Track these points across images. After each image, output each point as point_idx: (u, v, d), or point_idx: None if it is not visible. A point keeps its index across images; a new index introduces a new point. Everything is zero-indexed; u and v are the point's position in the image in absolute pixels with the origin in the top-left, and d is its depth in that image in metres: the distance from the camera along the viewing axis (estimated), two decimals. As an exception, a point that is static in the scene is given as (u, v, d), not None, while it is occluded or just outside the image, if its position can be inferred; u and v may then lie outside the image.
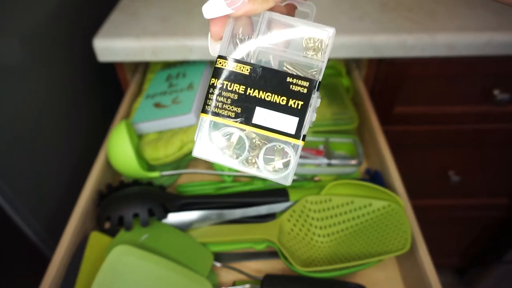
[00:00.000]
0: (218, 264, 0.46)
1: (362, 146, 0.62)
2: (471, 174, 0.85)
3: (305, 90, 0.24)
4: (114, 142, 0.50)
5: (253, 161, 0.25)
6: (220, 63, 0.24)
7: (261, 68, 0.24)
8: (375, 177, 0.53)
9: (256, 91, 0.24)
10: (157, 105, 0.58)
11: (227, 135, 0.24)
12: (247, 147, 0.24)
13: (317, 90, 0.24)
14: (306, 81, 0.24)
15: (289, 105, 0.24)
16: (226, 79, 0.24)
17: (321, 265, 0.44)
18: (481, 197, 0.93)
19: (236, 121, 0.24)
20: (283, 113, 0.24)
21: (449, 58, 0.63)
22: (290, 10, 0.27)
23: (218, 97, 0.24)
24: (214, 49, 0.25)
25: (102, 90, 0.74)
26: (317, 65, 0.24)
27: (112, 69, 0.68)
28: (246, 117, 0.24)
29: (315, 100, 0.24)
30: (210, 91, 0.24)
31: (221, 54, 0.24)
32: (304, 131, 0.24)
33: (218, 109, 0.24)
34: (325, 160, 0.53)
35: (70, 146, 0.62)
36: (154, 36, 0.60)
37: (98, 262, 0.40)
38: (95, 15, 0.69)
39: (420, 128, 0.76)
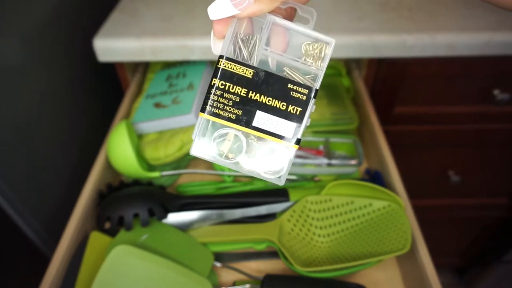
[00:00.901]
0: (218, 264, 0.46)
1: (362, 146, 0.62)
2: (471, 174, 0.85)
3: (304, 98, 0.24)
4: (114, 142, 0.50)
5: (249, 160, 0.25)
6: (223, 64, 0.24)
7: (264, 73, 0.24)
8: (375, 177, 0.53)
9: (258, 95, 0.24)
10: (157, 105, 0.58)
11: (224, 135, 0.25)
12: (244, 148, 0.24)
13: (314, 97, 0.24)
14: (306, 89, 0.24)
15: (288, 110, 0.24)
16: (228, 80, 0.24)
17: (321, 265, 0.44)
18: (481, 197, 0.93)
19: (237, 124, 0.24)
20: (283, 118, 0.24)
21: (449, 58, 0.63)
22: (291, 13, 0.27)
23: (219, 98, 0.24)
24: (216, 47, 0.25)
25: (102, 90, 0.74)
26: (315, 72, 0.24)
27: (112, 69, 0.68)
28: (246, 120, 0.24)
29: (312, 106, 0.24)
30: (211, 91, 0.24)
31: (223, 54, 0.24)
32: (299, 135, 0.24)
33: (219, 110, 0.24)
34: (325, 160, 0.53)
35: (70, 146, 0.62)
36: (154, 36, 0.60)
37: (98, 262, 0.40)
38: (95, 15, 0.69)
39: (420, 128, 0.76)
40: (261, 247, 0.47)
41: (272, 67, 0.25)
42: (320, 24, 0.62)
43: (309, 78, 0.25)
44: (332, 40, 0.25)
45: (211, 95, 0.24)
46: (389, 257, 0.41)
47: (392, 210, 0.45)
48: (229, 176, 0.55)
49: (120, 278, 0.38)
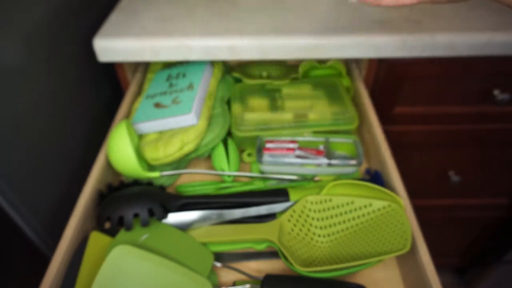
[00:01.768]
0: (218, 264, 0.46)
1: (362, 146, 0.62)
2: (471, 174, 0.85)
3: None
4: (114, 142, 0.50)
5: None
6: None
7: None
8: (375, 177, 0.53)
9: None
10: (157, 105, 0.58)
11: None
12: None
13: None
14: None
15: None
16: None
17: (321, 265, 0.44)
18: (481, 197, 0.93)
19: None
20: None
21: (449, 58, 0.63)
22: None
23: None
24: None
25: (102, 90, 0.74)
26: None
27: (112, 69, 0.68)
28: None
29: None
30: None
31: None
32: None
33: None
34: (325, 160, 0.53)
35: (70, 146, 0.62)
36: (154, 36, 0.60)
37: (98, 262, 0.40)
38: (95, 15, 0.69)
39: (420, 128, 0.76)
40: (261, 247, 0.47)
41: None
42: (320, 24, 0.62)
43: None
44: None
45: None
46: (389, 257, 0.41)
47: (392, 210, 0.45)
48: (229, 176, 0.55)
49: (120, 278, 0.38)
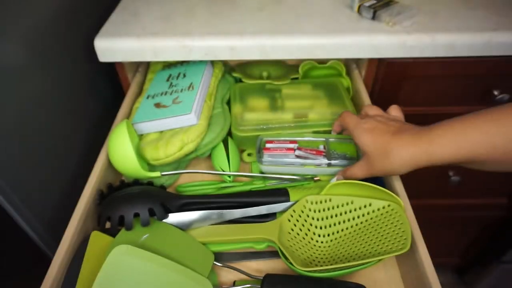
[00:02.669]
0: (218, 264, 0.46)
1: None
2: (471, 174, 0.85)
3: None
4: (115, 142, 0.50)
5: None
6: None
7: None
8: (375, 177, 0.53)
9: None
10: (158, 105, 0.58)
11: None
12: None
13: None
14: None
15: None
16: None
17: (321, 265, 0.44)
18: (480, 197, 0.93)
19: None
20: None
21: (449, 59, 0.63)
22: None
23: None
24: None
25: (102, 90, 0.74)
26: None
27: (113, 69, 0.69)
28: None
29: None
30: None
31: None
32: None
33: None
34: (325, 160, 0.53)
35: (71, 146, 0.62)
36: (154, 36, 0.60)
37: (99, 261, 0.40)
38: (96, 15, 0.69)
39: (420, 128, 0.76)
40: (261, 247, 0.47)
41: None
42: (320, 25, 0.63)
43: None
44: None
45: None
46: (389, 257, 0.41)
47: (392, 210, 0.45)
48: (229, 176, 0.55)
49: (120, 278, 0.38)
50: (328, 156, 0.54)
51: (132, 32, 0.61)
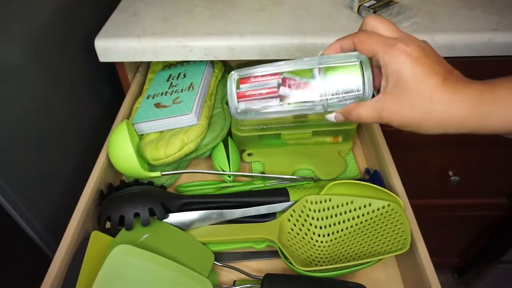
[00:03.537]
0: (218, 264, 0.46)
1: (362, 146, 0.62)
2: (470, 174, 0.86)
3: None
4: (115, 142, 0.50)
5: None
6: None
7: None
8: (375, 177, 0.53)
9: None
10: (158, 105, 0.58)
11: None
12: None
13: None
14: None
15: None
16: None
17: (321, 265, 0.44)
18: (480, 197, 0.93)
19: None
20: None
21: (449, 59, 0.63)
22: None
23: None
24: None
25: (102, 90, 0.74)
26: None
27: (113, 69, 0.69)
28: None
29: None
30: None
31: None
32: None
33: None
34: (319, 99, 0.38)
35: (71, 146, 0.62)
36: (154, 36, 0.60)
37: (99, 261, 0.40)
38: (96, 15, 0.69)
39: (420, 128, 0.76)
40: (261, 246, 0.47)
41: None
42: (320, 25, 0.63)
43: None
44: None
45: None
46: (388, 256, 0.41)
47: (391, 209, 0.45)
48: (229, 176, 0.55)
49: (120, 278, 0.38)
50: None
51: (132, 32, 0.61)
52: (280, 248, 0.44)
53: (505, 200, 0.93)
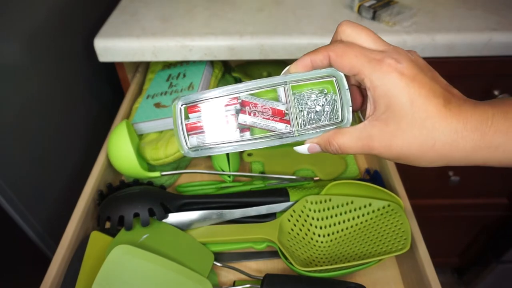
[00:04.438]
0: (218, 264, 0.46)
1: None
2: (470, 174, 0.86)
3: None
4: (115, 142, 0.50)
5: None
6: None
7: None
8: (375, 177, 0.53)
9: None
10: (158, 105, 0.58)
11: None
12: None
13: None
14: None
15: None
16: None
17: (321, 265, 0.44)
18: (480, 197, 0.93)
19: None
20: None
21: (449, 59, 0.63)
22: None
23: None
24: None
25: (102, 90, 0.74)
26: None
27: (112, 69, 0.69)
28: None
29: None
30: None
31: None
32: None
33: None
34: (289, 128, 0.33)
35: (71, 145, 0.62)
36: (154, 36, 0.60)
37: (99, 261, 0.40)
38: (96, 15, 0.69)
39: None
40: (261, 247, 0.47)
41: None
42: (319, 25, 0.63)
43: None
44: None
45: None
46: (389, 257, 0.41)
47: (391, 210, 0.45)
48: (229, 176, 0.55)
49: (120, 278, 0.38)
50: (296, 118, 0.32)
51: (132, 32, 0.61)
52: (280, 248, 0.44)
53: (505, 200, 0.93)
